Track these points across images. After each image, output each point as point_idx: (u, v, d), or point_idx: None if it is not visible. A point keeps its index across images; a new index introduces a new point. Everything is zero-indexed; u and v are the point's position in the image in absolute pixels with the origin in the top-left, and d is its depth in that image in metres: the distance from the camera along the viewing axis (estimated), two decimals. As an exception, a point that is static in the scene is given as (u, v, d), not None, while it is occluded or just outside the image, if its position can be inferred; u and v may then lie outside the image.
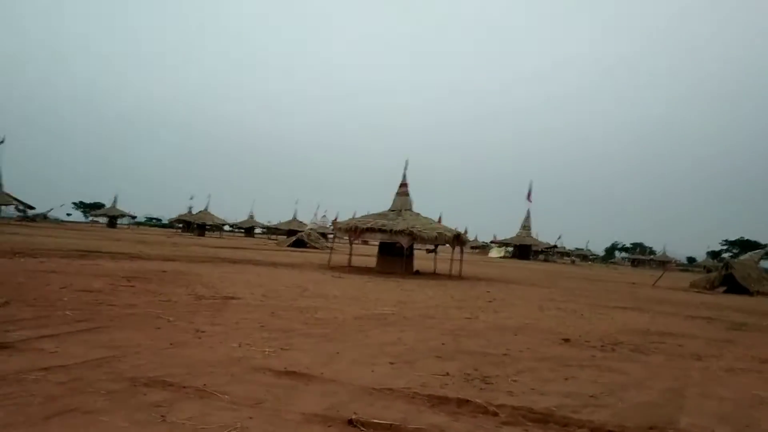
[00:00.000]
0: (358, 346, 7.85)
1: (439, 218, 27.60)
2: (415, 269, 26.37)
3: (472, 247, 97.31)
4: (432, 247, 31.80)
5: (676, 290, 30.65)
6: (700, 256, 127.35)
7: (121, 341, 6.92)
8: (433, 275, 25.75)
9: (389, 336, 8.95)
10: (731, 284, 31.82)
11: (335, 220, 28.53)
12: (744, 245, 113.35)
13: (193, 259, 24.15)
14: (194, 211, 78.90)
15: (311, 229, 59.65)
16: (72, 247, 24.83)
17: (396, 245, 25.01)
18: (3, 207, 58.77)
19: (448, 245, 26.44)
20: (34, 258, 18.09)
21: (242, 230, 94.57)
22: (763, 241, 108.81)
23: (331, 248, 30.12)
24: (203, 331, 8.00)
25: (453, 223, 33.06)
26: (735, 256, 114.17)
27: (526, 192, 77.13)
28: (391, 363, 6.93)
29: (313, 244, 52.48)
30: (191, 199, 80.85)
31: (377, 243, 27.52)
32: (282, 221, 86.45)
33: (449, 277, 24.76)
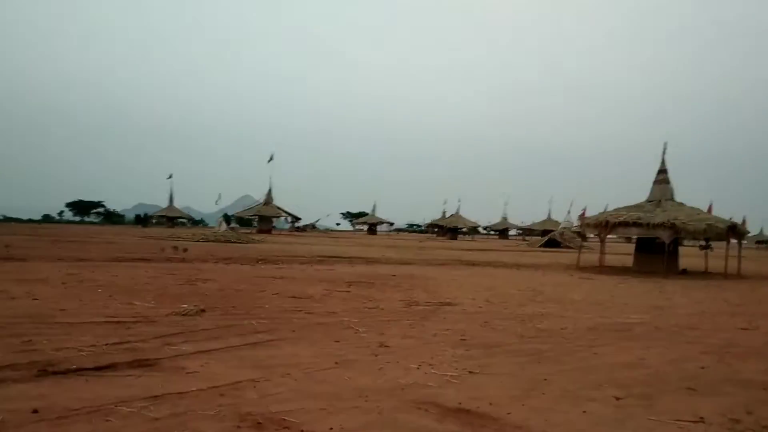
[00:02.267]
0: (578, 370, 5.92)
1: (709, 208, 23.58)
2: (681, 268, 22.75)
3: (758, 242, 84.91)
4: (705, 242, 27.48)
5: None
6: None
7: (281, 358, 5.86)
8: (704, 275, 21.94)
9: (627, 355, 6.83)
10: None
11: (582, 215, 25.85)
12: None
13: (431, 262, 23.36)
14: (447, 216, 79.68)
15: (564, 228, 56.31)
16: (318, 253, 25.51)
17: (656, 241, 21.72)
18: (275, 219, 64.54)
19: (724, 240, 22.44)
20: (274, 264, 18.52)
21: (495, 232, 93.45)
22: None
23: (581, 247, 27.43)
24: (387, 346, 6.68)
25: (730, 213, 28.05)
26: None
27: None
28: (618, 398, 4.93)
29: (566, 243, 49.30)
30: (444, 203, 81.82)
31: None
32: (536, 221, 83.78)
33: (725, 276, 20.84)
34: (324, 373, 5.35)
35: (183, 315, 8.21)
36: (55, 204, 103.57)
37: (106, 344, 6.13)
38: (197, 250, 23.44)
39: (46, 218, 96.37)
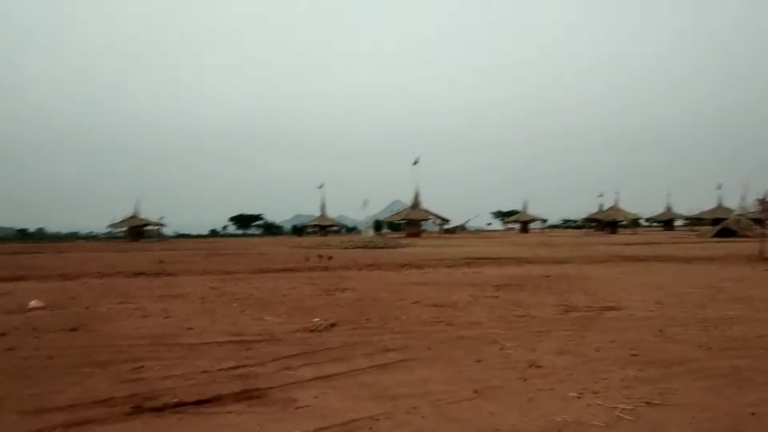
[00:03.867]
0: (797, 398, 4.48)
1: None
2: None
3: None
4: None
5: None
6: None
7: (410, 386, 4.93)
8: None
9: None
10: None
11: (764, 199, 22.79)
12: None
13: (590, 259, 21.51)
14: (604, 209, 75.49)
15: (739, 214, 51.02)
16: (466, 255, 24.47)
17: None
18: (423, 222, 64.18)
19: None
20: (418, 269, 17.73)
21: (659, 224, 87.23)
22: None
23: (763, 235, 24.17)
24: (539, 366, 5.55)
25: None
26: None
27: None
28: None
29: (743, 232, 44.59)
30: (600, 196, 77.55)
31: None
32: (704, 210, 77.14)
33: None
34: (459, 407, 4.35)
35: (311, 331, 7.53)
36: (221, 218, 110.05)
37: (220, 369, 5.52)
38: (342, 258, 23.22)
39: (213, 233, 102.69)
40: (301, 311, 9.30)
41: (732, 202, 69.74)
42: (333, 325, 7.90)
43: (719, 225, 49.75)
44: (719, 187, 76.64)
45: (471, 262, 20.40)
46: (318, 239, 53.27)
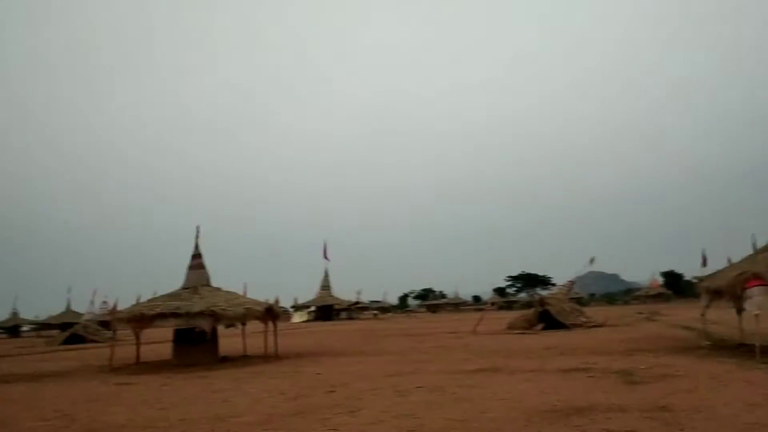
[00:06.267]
0: None
1: (244, 291, 23.67)
2: (221, 355, 22.07)
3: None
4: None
5: (498, 335, 29.50)
6: (486, 293, 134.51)
7: None
8: (244, 359, 21.67)
9: None
10: (548, 320, 31.57)
11: (114, 308, 23.33)
12: (527, 279, 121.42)
13: None
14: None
15: (89, 320, 51.46)
16: None
17: (195, 330, 20.58)
18: None
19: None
20: None
21: (2, 330, 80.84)
22: (541, 273, 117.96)
23: (113, 342, 24.43)
24: None
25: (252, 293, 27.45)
26: (519, 290, 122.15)
27: (322, 251, 75.35)
28: None
29: (92, 337, 45.03)
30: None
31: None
32: (53, 314, 75.35)
33: (265, 359, 20.85)
34: None
35: None
36: None
37: None
38: None
39: None
40: None
41: (81, 307, 69.92)
42: None
43: (68, 331, 49.03)
44: (69, 291, 75.12)
45: None
46: None
